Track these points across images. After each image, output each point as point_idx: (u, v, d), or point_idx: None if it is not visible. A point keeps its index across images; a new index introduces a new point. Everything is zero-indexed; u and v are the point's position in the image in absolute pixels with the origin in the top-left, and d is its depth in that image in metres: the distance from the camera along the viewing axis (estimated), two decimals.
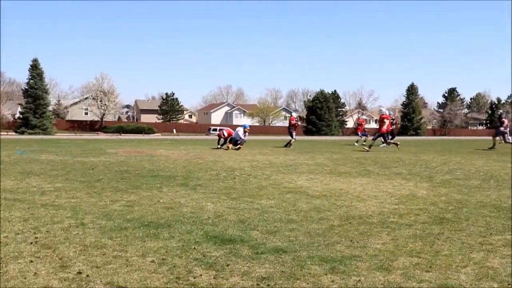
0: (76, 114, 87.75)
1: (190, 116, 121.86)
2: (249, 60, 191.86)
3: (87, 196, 8.25)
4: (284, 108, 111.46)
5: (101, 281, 4.07)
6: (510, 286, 4.11)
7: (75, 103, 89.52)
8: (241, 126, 22.44)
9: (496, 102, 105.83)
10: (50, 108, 65.73)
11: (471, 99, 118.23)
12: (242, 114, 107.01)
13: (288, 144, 25.16)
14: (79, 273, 4.26)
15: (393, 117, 30.67)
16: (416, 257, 4.88)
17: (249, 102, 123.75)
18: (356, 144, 27.63)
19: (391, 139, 28.41)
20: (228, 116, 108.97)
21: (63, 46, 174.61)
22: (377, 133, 22.90)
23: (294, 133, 25.64)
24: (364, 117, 27.47)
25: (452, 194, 9.06)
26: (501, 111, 33.65)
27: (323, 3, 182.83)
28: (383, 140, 24.78)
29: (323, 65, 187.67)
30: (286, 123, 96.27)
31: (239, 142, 21.38)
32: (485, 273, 4.41)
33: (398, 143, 24.01)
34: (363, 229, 6.11)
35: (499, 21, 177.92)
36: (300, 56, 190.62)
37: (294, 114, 27.95)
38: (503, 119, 25.97)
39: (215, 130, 73.34)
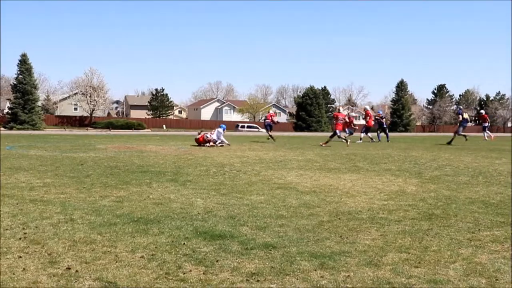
0: (66, 109, 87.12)
1: (180, 112, 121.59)
2: (239, 56, 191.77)
3: (76, 192, 8.21)
4: (274, 104, 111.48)
5: (90, 277, 4.06)
6: (498, 281, 4.15)
7: (65, 99, 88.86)
8: (219, 127, 22.21)
9: (485, 99, 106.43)
10: (39, 103, 65.08)
11: (460, 95, 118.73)
12: (232, 110, 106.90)
13: (271, 138, 26.79)
14: (68, 268, 4.25)
15: (383, 116, 31.00)
16: (405, 253, 4.90)
17: (239, 98, 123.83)
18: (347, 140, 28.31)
19: (386, 136, 28.84)
20: (218, 112, 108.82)
21: (52, 41, 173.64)
22: (335, 129, 23.69)
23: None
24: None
25: (441, 190, 9.11)
26: (460, 107, 34.83)
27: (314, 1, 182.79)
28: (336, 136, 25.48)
29: (313, 61, 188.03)
30: (276, 120, 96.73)
31: (218, 142, 21.27)
32: (474, 269, 4.44)
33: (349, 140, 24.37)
34: (352, 225, 6.13)
35: (489, 17, 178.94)
36: (290, 52, 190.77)
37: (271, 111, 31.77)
38: (459, 114, 26.93)
39: (243, 127, 73.48)
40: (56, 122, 73.79)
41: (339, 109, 26.54)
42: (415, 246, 5.16)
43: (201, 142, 21.03)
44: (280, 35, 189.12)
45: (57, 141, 24.37)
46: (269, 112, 30.19)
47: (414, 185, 9.72)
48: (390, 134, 31.10)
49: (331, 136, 23.61)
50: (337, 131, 23.18)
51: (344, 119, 24.69)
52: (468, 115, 28.12)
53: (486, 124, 33.26)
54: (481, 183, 10.12)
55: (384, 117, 31.11)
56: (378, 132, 29.77)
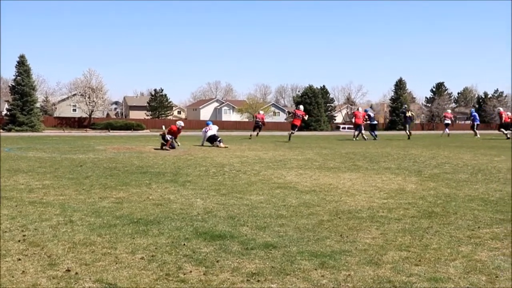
0: (64, 111, 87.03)
1: (179, 112, 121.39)
2: (238, 56, 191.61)
3: (76, 193, 8.20)
4: (273, 103, 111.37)
5: (90, 279, 4.05)
6: (498, 278, 4.15)
7: (63, 100, 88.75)
8: (211, 124, 22.21)
9: (483, 97, 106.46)
10: (38, 105, 64.89)
11: (458, 93, 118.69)
12: (231, 110, 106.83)
13: (254, 135, 29.81)
14: (68, 270, 4.24)
15: (371, 114, 31.21)
16: (405, 251, 4.90)
17: (238, 98, 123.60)
18: (366, 137, 28.73)
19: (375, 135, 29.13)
20: (217, 112, 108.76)
21: (51, 42, 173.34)
22: (292, 124, 27.44)
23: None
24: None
25: (441, 188, 9.11)
26: (405, 106, 38.61)
27: None
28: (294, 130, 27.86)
29: (312, 60, 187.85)
30: (276, 119, 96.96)
31: (218, 140, 21.01)
32: (474, 266, 4.45)
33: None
34: (352, 223, 6.12)
35: (488, 16, 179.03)
36: (289, 51, 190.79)
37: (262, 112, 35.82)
38: (402, 113, 31.50)
39: (344, 128, 74.72)
40: (55, 124, 73.65)
41: (298, 107, 28.46)
42: (415, 244, 5.16)
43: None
44: (278, 35, 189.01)
45: (56, 142, 24.33)
46: (258, 112, 33.20)
47: (414, 183, 9.72)
48: (388, 132, 31.71)
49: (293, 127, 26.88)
50: (293, 125, 26.66)
51: (302, 116, 26.75)
52: (413, 113, 33.00)
53: (448, 121, 36.09)
54: (480, 180, 10.12)
55: (374, 115, 31.41)
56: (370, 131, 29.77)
